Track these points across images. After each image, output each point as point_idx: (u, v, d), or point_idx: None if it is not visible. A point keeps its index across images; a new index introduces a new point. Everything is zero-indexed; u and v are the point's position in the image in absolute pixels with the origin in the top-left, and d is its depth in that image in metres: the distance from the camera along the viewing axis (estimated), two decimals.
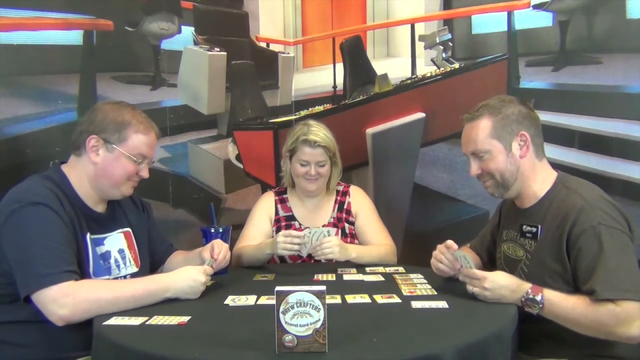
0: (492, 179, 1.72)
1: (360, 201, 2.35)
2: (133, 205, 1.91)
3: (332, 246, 2.02)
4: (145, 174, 1.76)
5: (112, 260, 1.75)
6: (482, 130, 1.70)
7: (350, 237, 2.28)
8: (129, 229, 1.85)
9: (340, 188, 2.36)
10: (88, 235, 1.69)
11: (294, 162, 2.25)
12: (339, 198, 2.34)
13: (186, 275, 1.68)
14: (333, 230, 2.14)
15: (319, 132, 2.22)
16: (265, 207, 2.33)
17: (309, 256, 2.20)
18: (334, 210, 2.32)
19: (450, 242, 1.74)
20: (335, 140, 2.27)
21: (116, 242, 1.79)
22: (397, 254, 2.27)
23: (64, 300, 1.49)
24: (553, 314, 1.54)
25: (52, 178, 1.68)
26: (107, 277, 1.71)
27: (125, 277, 1.77)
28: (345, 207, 2.33)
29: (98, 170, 1.69)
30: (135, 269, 1.82)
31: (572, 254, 1.57)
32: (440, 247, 1.78)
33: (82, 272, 1.60)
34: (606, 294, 1.47)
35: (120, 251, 1.79)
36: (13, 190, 1.62)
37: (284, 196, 2.35)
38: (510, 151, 1.69)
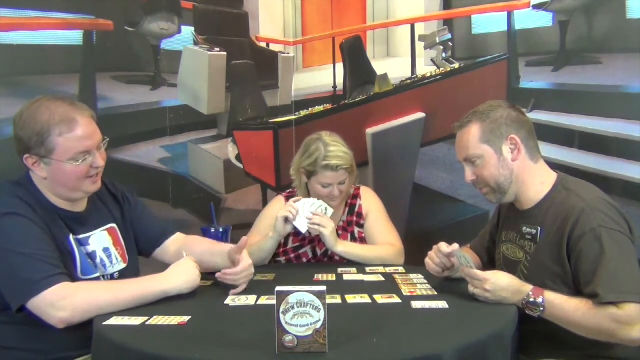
0: (487, 186, 1.74)
1: (370, 202, 2.31)
2: (113, 199, 1.84)
3: (327, 224, 2.07)
4: (98, 163, 1.62)
5: (98, 260, 1.71)
6: (472, 136, 1.71)
7: (360, 241, 2.26)
8: (113, 225, 1.79)
9: (351, 191, 2.32)
10: (71, 237, 1.65)
11: (314, 182, 2.19)
12: (349, 201, 2.31)
13: (178, 266, 1.67)
14: (330, 210, 2.12)
15: (338, 151, 2.15)
16: (275, 215, 2.22)
17: (314, 256, 2.22)
18: (344, 214, 2.29)
19: (443, 244, 1.75)
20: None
21: (100, 240, 1.73)
22: None
23: (61, 303, 1.48)
24: (554, 317, 1.54)
25: (22, 185, 1.62)
26: (95, 275, 1.68)
27: (112, 275, 1.74)
28: (356, 209, 2.29)
29: (51, 182, 1.61)
30: (123, 265, 1.77)
31: (572, 257, 1.57)
32: (435, 248, 1.79)
33: (70, 274, 1.57)
34: (609, 297, 1.47)
35: (105, 250, 1.74)
36: None
37: None
38: (502, 155, 1.69)
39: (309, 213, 2.09)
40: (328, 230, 2.07)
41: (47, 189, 1.64)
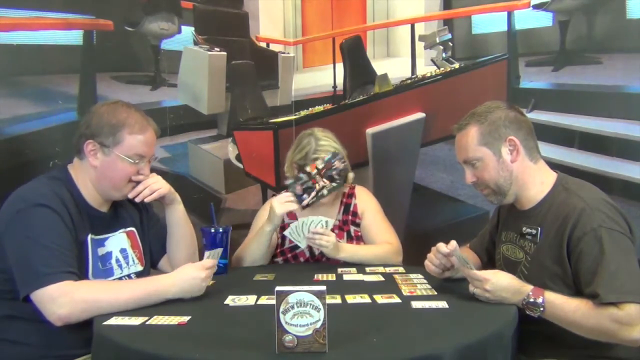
0: (487, 188, 1.74)
1: (366, 201, 2.32)
2: (132, 205, 1.90)
3: (328, 241, 2.03)
4: (145, 172, 1.76)
5: (113, 261, 1.74)
6: (471, 139, 1.71)
7: (356, 239, 2.26)
8: (133, 229, 1.85)
9: (346, 190, 2.32)
10: (89, 236, 1.69)
11: None
12: (344, 200, 2.31)
13: (184, 274, 1.66)
14: (331, 221, 2.11)
15: (328, 146, 2.17)
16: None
17: (311, 255, 2.22)
18: (339, 213, 2.29)
19: (441, 244, 1.74)
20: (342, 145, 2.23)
21: (118, 241, 1.79)
22: None
23: (62, 299, 1.49)
24: (554, 317, 1.54)
25: (59, 179, 1.69)
26: (104, 278, 1.70)
27: (129, 275, 1.78)
28: (351, 209, 2.30)
29: (98, 173, 1.70)
30: (139, 268, 1.83)
31: (572, 257, 1.57)
32: (433, 249, 1.78)
33: (81, 274, 1.60)
34: (609, 297, 1.47)
35: (123, 250, 1.79)
36: (20, 190, 1.63)
37: None
38: (501, 157, 1.70)
39: (309, 232, 2.05)
40: (329, 249, 2.06)
41: (85, 184, 1.71)
